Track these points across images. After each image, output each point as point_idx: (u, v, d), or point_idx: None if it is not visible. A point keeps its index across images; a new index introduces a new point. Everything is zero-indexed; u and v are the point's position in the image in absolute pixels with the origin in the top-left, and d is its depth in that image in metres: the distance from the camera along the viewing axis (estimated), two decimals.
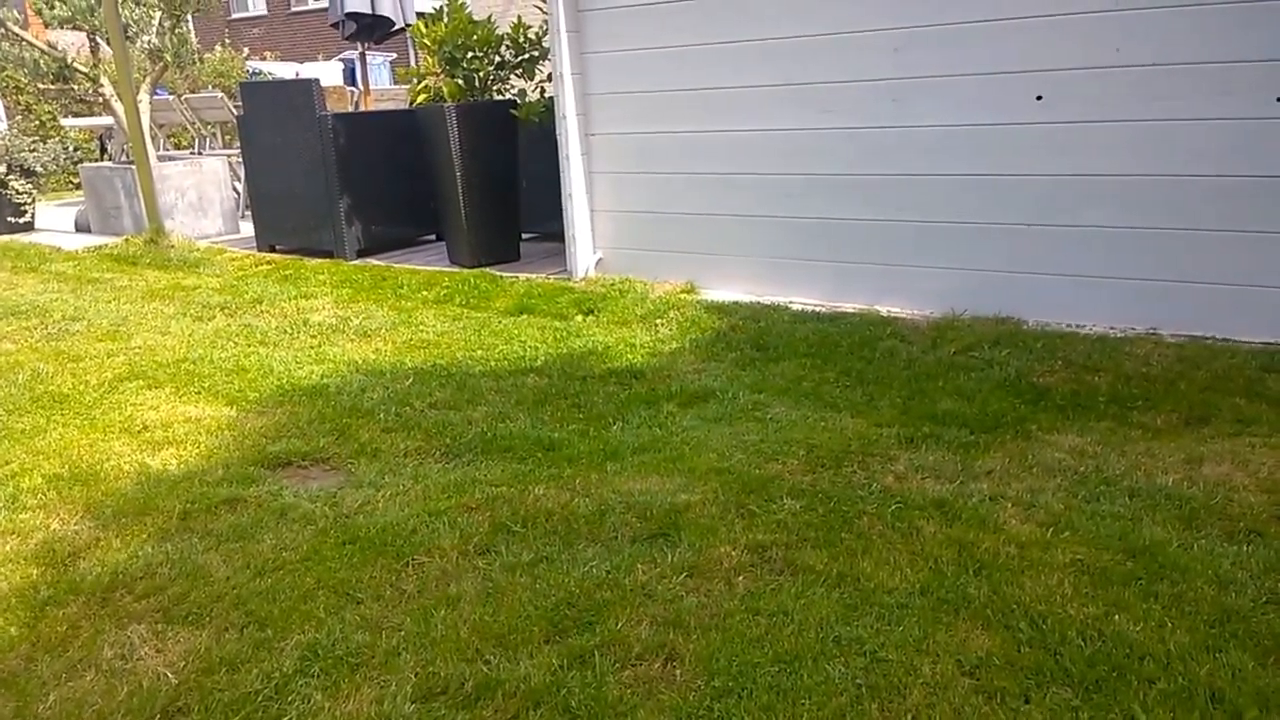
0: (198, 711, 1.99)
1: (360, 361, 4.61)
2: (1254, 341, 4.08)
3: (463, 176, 6.38)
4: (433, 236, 7.72)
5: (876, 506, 2.72)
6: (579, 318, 5.26)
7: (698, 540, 2.57)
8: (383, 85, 14.78)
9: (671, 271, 5.66)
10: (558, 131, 5.84)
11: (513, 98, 6.61)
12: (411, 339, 5.00)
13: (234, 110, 9.29)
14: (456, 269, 6.56)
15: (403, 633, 2.22)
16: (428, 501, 2.92)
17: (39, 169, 9.42)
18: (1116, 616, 2.13)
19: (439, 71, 6.67)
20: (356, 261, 7.10)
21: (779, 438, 3.32)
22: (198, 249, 7.78)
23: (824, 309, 4.99)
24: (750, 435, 3.37)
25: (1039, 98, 4.43)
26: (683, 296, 5.41)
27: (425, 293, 6.02)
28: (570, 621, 2.21)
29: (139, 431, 3.73)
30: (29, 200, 9.30)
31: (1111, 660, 1.97)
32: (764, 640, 2.09)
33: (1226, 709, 1.82)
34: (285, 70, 15.07)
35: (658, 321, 5.01)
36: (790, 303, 5.14)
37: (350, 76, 14.44)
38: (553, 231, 6.58)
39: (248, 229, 8.39)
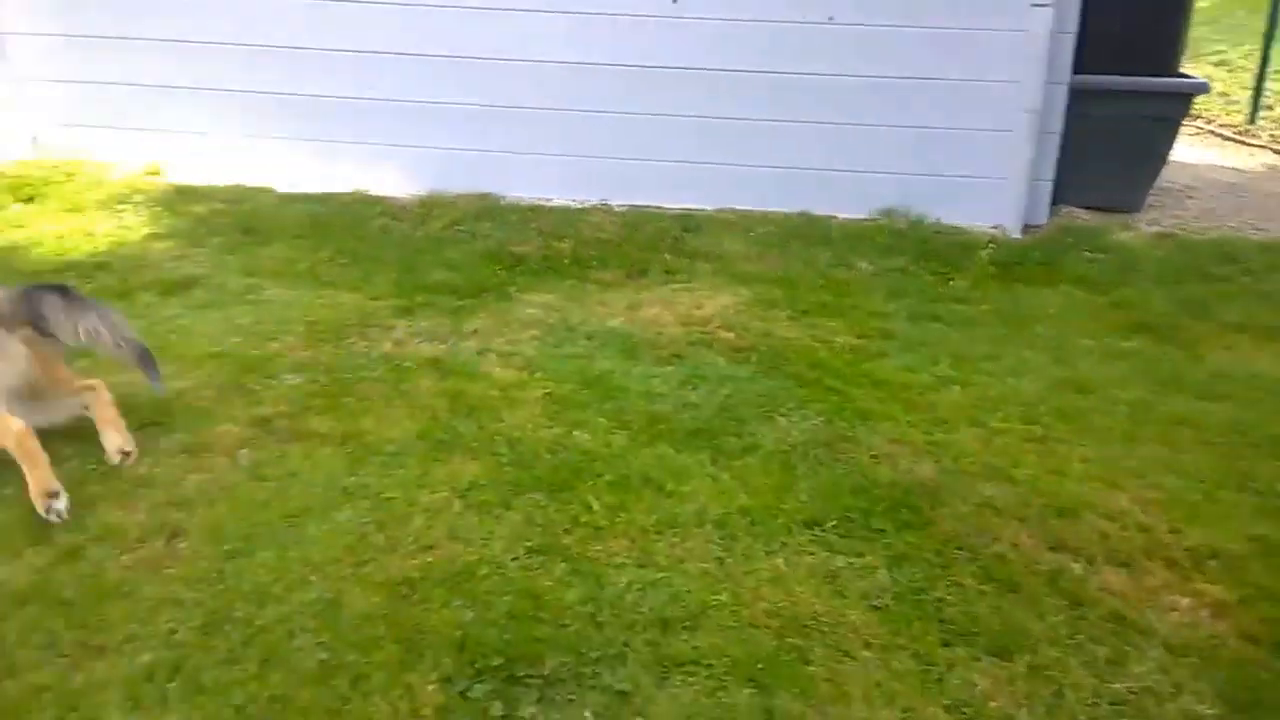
0: None
1: None
2: (674, 206, 4.95)
3: None
4: None
5: (377, 371, 2.85)
6: (15, 206, 4.36)
7: (195, 423, 2.48)
8: None
9: (131, 151, 4.91)
10: None
11: None
12: None
13: None
14: None
15: None
16: None
17: None
18: (575, 432, 2.57)
19: None
20: None
21: (275, 317, 3.23)
22: None
23: (312, 190, 4.79)
24: (244, 318, 3.22)
25: None
26: (148, 179, 4.78)
27: None
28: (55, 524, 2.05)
29: None
30: None
31: (571, 466, 2.39)
32: (271, 502, 2.15)
33: (653, 485, 2.35)
34: None
35: (120, 207, 4.38)
36: (274, 184, 4.84)
37: None
38: None
39: None
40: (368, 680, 1.64)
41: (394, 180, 4.92)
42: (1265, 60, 7.58)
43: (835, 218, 4.91)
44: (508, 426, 2.55)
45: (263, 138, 4.94)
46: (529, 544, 2.05)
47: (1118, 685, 1.78)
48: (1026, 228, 4.82)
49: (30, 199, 4.46)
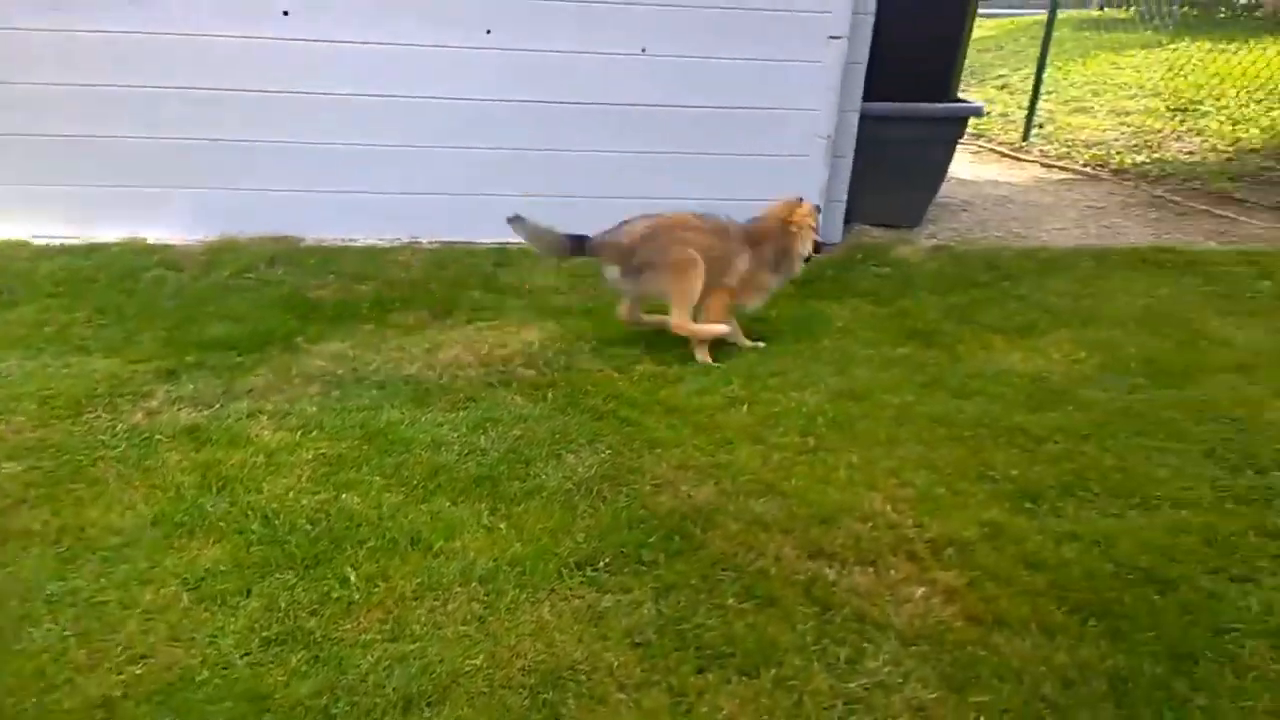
0: None
1: None
2: (487, 241, 4.90)
3: None
4: None
5: (119, 448, 2.61)
6: None
7: None
8: None
9: None
10: None
11: None
12: None
13: None
14: None
15: None
16: None
17: None
18: (343, 496, 2.43)
19: None
20: None
21: (3, 394, 2.91)
22: None
23: (77, 241, 4.43)
24: None
25: (285, 12, 4.48)
26: None
27: None
28: None
29: None
30: None
31: (333, 535, 2.26)
32: None
33: (421, 545, 2.24)
34: None
35: None
36: (32, 237, 4.44)
37: None
38: None
39: None
40: None
41: (176, 226, 4.62)
42: (1038, 82, 8.28)
43: None
44: (265, 498, 2.38)
45: (18, 185, 4.53)
46: (266, 634, 1.90)
47: (853, 684, 1.86)
48: (823, 246, 5.03)
49: None
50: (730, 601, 2.10)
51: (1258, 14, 11.75)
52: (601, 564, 2.22)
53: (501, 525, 2.36)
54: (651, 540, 2.31)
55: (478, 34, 4.63)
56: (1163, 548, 2.33)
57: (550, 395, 3.16)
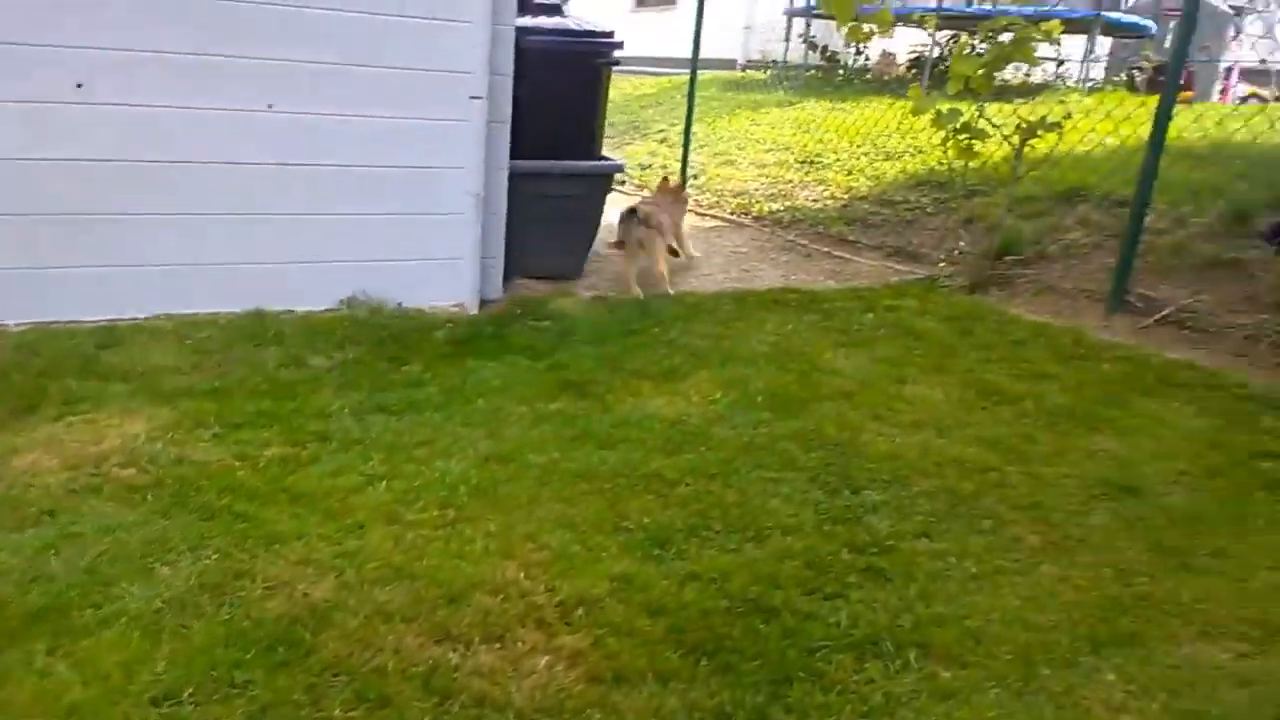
0: None
1: None
2: (95, 320, 4.29)
3: None
4: None
5: None
6: None
7: None
8: None
9: None
10: None
11: None
12: None
13: None
14: None
15: None
16: None
17: None
18: None
19: None
20: None
21: None
22: None
23: None
24: None
25: None
26: None
27: None
28: None
29: None
30: None
31: None
32: None
33: None
34: None
35: None
36: None
37: None
38: None
39: None
40: None
41: None
42: (687, 137, 8.97)
43: (293, 312, 4.64)
44: None
45: None
46: None
47: None
48: (484, 303, 5.01)
49: None
50: (337, 712, 1.91)
51: (867, 77, 13.74)
52: (185, 695, 1.93)
53: (61, 667, 1.98)
54: (249, 656, 2.05)
55: (64, 88, 4.07)
56: (770, 576, 2.48)
57: (151, 497, 2.77)
